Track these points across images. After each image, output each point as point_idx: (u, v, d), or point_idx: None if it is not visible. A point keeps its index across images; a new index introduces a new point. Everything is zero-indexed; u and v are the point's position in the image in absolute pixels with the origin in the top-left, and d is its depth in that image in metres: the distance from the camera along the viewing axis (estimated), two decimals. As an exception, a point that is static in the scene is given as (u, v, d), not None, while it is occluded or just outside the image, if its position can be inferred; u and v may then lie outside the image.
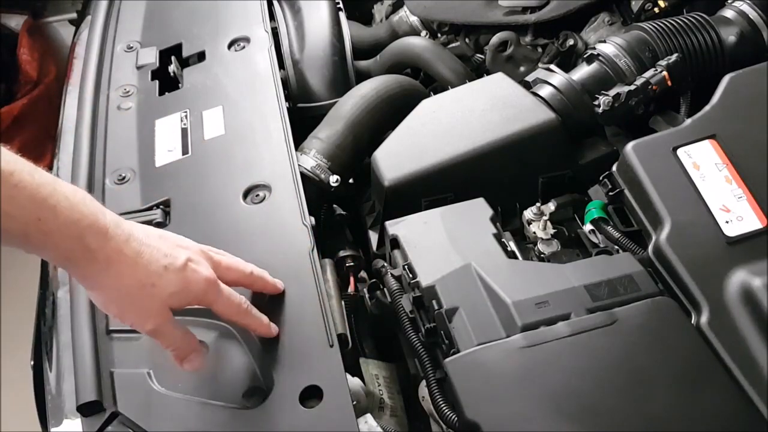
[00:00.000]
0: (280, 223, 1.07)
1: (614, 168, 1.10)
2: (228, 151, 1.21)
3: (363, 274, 1.23)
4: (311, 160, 1.27)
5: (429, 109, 1.29)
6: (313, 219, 1.07)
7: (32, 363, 1.07)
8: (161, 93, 1.37)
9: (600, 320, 0.88)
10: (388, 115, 1.35)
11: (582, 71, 1.30)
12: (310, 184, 1.24)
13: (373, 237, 1.25)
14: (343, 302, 1.07)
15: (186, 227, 1.10)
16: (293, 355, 0.90)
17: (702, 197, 1.00)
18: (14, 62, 3.14)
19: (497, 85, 1.30)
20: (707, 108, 1.10)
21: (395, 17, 1.72)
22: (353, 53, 1.59)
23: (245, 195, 1.12)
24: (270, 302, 0.96)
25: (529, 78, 1.33)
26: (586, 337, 0.87)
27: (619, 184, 1.09)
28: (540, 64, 1.46)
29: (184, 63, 1.44)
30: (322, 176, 1.26)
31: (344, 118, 1.33)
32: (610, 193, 1.10)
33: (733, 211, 0.98)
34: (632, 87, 1.21)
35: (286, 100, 1.33)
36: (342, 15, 1.65)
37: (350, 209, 1.35)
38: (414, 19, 1.67)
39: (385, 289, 1.09)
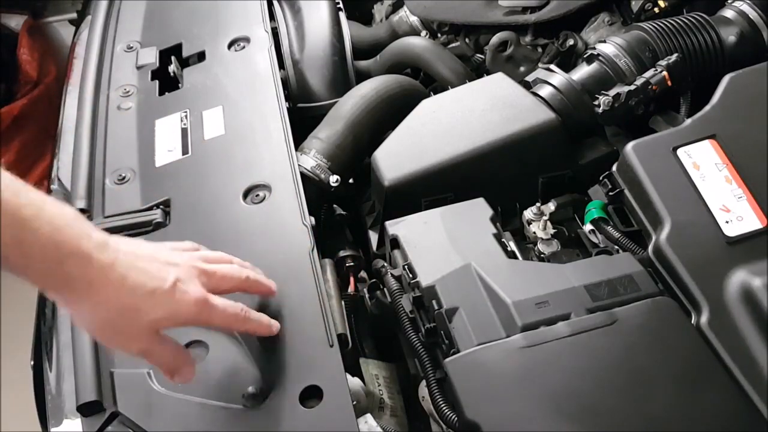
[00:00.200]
0: (280, 223, 1.07)
1: (614, 168, 1.10)
2: (228, 151, 1.21)
3: (363, 274, 1.23)
4: (311, 160, 1.27)
5: (429, 109, 1.29)
6: (313, 219, 1.07)
7: (32, 363, 1.07)
8: (161, 93, 1.37)
9: (600, 320, 0.88)
10: (388, 115, 1.35)
11: (582, 71, 1.30)
12: (310, 184, 1.24)
13: (373, 237, 1.25)
14: (343, 302, 1.07)
15: (186, 227, 1.10)
16: (293, 355, 0.90)
17: (702, 197, 1.00)
18: (14, 62, 3.14)
19: (497, 85, 1.30)
20: (707, 108, 1.10)
21: (395, 17, 1.72)
22: (353, 53, 1.59)
23: (245, 195, 1.12)
24: (270, 302, 0.97)
25: (529, 78, 1.33)
26: (586, 337, 0.87)
27: (619, 184, 1.09)
28: (540, 64, 1.46)
29: (184, 63, 1.44)
30: (322, 176, 1.26)
31: (344, 118, 1.33)
32: (610, 193, 1.10)
33: (733, 211, 0.98)
34: (632, 87, 1.21)
35: (286, 100, 1.33)
36: (342, 15, 1.65)
37: (350, 209, 1.35)
38: (414, 19, 1.67)
39: (385, 289, 1.09)
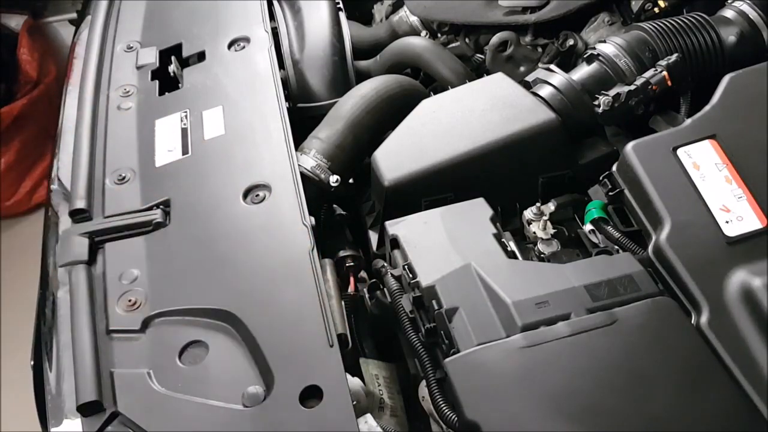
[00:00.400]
0: (280, 223, 1.07)
1: (614, 168, 1.10)
2: (228, 151, 1.21)
3: (363, 274, 1.23)
4: (311, 160, 1.27)
5: (429, 109, 1.29)
6: (313, 219, 1.07)
7: (32, 363, 1.07)
8: (161, 93, 1.37)
9: (600, 320, 0.88)
10: (388, 115, 1.35)
11: (582, 71, 1.30)
12: (310, 184, 1.24)
13: (373, 237, 1.25)
14: (343, 302, 1.07)
15: (186, 227, 1.10)
16: (293, 355, 0.90)
17: (702, 197, 1.00)
18: (14, 62, 3.14)
19: (497, 85, 1.30)
20: (707, 108, 1.10)
21: (395, 17, 1.72)
22: (353, 53, 1.59)
23: (245, 195, 1.12)
24: (270, 302, 0.97)
25: (529, 78, 1.33)
26: (586, 337, 0.87)
27: (619, 184, 1.09)
28: (540, 64, 1.46)
29: (184, 63, 1.44)
30: (322, 176, 1.26)
31: (344, 118, 1.33)
32: (610, 193, 1.10)
33: (733, 211, 0.98)
34: (632, 87, 1.21)
35: (286, 100, 1.33)
36: (342, 15, 1.65)
37: (350, 209, 1.35)
38: (414, 19, 1.67)
39: (385, 289, 1.09)
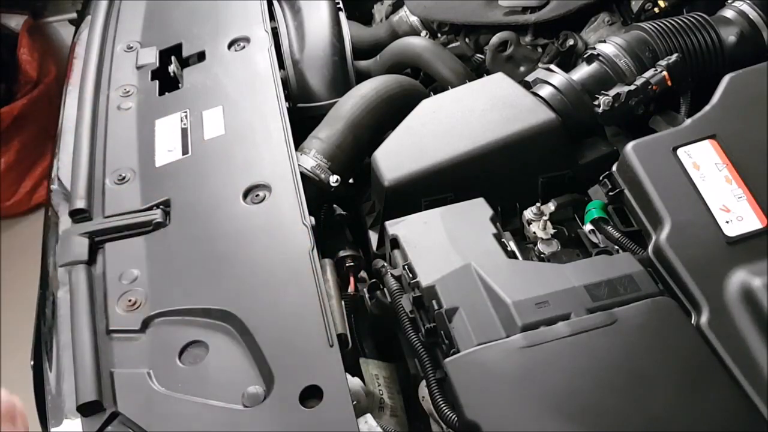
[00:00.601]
0: (280, 223, 1.07)
1: (614, 168, 1.10)
2: (228, 151, 1.21)
3: (363, 274, 1.23)
4: (311, 160, 1.27)
5: (429, 109, 1.29)
6: (313, 219, 1.07)
7: (32, 363, 1.07)
8: (161, 93, 1.37)
9: (600, 320, 0.88)
10: (388, 115, 1.35)
11: (582, 71, 1.30)
12: (310, 184, 1.24)
13: (373, 237, 1.25)
14: (343, 302, 1.07)
15: (186, 227, 1.10)
16: (293, 355, 0.90)
17: (702, 197, 1.00)
18: (14, 62, 3.14)
19: (497, 85, 1.30)
20: (707, 108, 1.10)
21: (395, 17, 1.72)
22: (353, 53, 1.59)
23: (245, 195, 1.12)
24: (270, 302, 0.97)
25: (529, 78, 1.33)
26: (586, 337, 0.87)
27: (619, 184, 1.09)
28: (540, 64, 1.46)
29: (184, 63, 1.44)
30: (322, 176, 1.26)
31: (344, 118, 1.33)
32: (610, 193, 1.10)
33: (733, 211, 0.98)
34: (632, 87, 1.21)
35: (286, 100, 1.33)
36: (342, 15, 1.65)
37: (350, 209, 1.35)
38: (414, 19, 1.67)
39: (385, 289, 1.09)
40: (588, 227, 1.11)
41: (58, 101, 1.46)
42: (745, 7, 1.33)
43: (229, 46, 1.44)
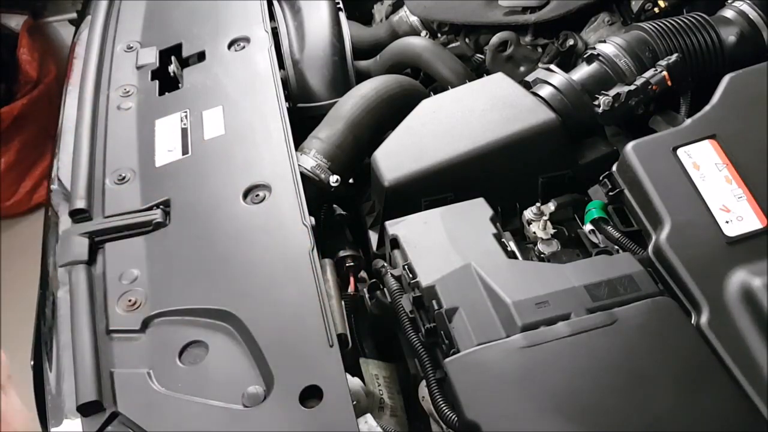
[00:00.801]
0: (280, 223, 1.07)
1: (614, 168, 1.10)
2: (228, 151, 1.21)
3: (363, 274, 1.23)
4: (311, 160, 1.27)
5: (429, 109, 1.29)
6: (313, 219, 1.07)
7: (32, 363, 1.07)
8: (161, 93, 1.37)
9: (600, 320, 0.88)
10: (388, 115, 1.35)
11: (582, 71, 1.30)
12: (310, 184, 1.24)
13: (373, 237, 1.25)
14: (343, 302, 1.07)
15: (186, 227, 1.10)
16: (293, 355, 0.90)
17: (702, 197, 1.00)
18: (14, 62, 3.14)
19: (497, 85, 1.30)
20: (707, 108, 1.10)
21: (395, 17, 1.72)
22: (353, 53, 1.59)
23: (245, 195, 1.12)
24: (270, 302, 0.97)
25: (529, 78, 1.33)
26: (586, 337, 0.87)
27: (619, 184, 1.09)
28: (540, 64, 1.46)
29: (184, 63, 1.44)
30: (322, 176, 1.26)
31: (344, 118, 1.33)
32: (610, 193, 1.10)
33: (733, 211, 0.98)
34: (632, 87, 1.21)
35: (286, 100, 1.33)
36: (342, 15, 1.65)
37: (350, 209, 1.35)
38: (414, 19, 1.67)
39: (385, 289, 1.09)
40: (588, 227, 1.11)
41: (58, 101, 1.46)
42: (745, 7, 1.33)
43: (229, 46, 1.44)
